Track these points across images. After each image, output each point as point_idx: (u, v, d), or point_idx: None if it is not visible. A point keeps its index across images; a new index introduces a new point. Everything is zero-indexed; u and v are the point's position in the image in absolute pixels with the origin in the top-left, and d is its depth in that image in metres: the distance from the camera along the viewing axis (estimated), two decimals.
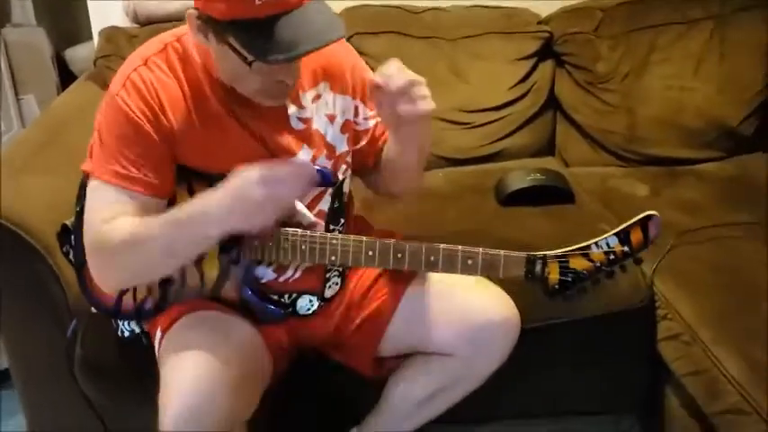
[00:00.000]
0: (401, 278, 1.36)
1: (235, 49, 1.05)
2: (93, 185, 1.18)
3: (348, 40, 1.99)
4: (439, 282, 1.33)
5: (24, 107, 3.26)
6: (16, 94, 3.19)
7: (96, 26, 2.28)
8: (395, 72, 1.16)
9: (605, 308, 1.49)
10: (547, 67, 2.10)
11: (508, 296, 1.33)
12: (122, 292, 1.30)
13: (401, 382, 1.41)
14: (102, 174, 1.15)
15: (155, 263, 1.16)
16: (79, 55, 3.25)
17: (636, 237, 1.18)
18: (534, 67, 2.08)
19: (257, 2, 1.00)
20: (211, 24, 1.06)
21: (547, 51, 2.10)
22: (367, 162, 1.38)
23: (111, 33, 2.08)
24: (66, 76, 3.26)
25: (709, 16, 2.07)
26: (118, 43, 2.03)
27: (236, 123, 1.20)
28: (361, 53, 1.96)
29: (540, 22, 2.13)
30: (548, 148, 2.13)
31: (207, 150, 1.19)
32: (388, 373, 1.43)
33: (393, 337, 1.36)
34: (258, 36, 1.02)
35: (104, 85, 1.97)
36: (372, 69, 1.94)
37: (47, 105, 3.12)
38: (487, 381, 1.36)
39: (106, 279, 1.22)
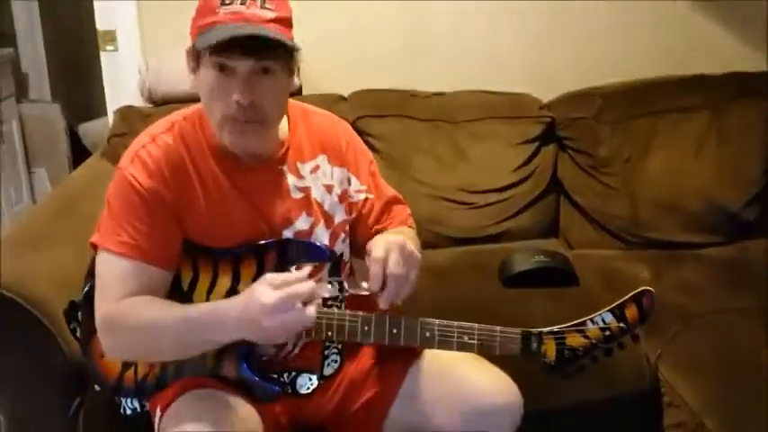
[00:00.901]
0: (403, 357, 1.35)
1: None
2: (101, 257, 1.21)
3: (355, 122, 2.06)
4: (441, 362, 1.32)
5: (35, 180, 3.35)
6: (28, 167, 3.29)
7: (111, 103, 2.35)
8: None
9: (609, 392, 1.48)
10: (549, 150, 2.14)
11: (510, 379, 1.30)
12: (124, 370, 1.31)
13: None
14: (111, 244, 1.18)
15: (165, 352, 1.20)
16: (92, 130, 3.36)
17: (631, 312, 1.18)
18: (537, 151, 2.12)
19: (220, 13, 1.12)
20: (192, 51, 1.17)
21: (549, 136, 2.14)
22: (355, 236, 1.39)
23: (125, 112, 2.14)
24: (79, 150, 3.36)
25: (706, 104, 2.11)
26: (132, 122, 2.08)
27: (237, 195, 1.23)
28: (367, 134, 2.05)
29: (542, 107, 2.18)
30: (551, 230, 2.14)
31: (211, 224, 1.22)
32: None
33: (395, 417, 1.33)
34: (208, 32, 1.12)
35: (117, 162, 2.02)
36: (377, 150, 2.03)
37: (58, 179, 3.22)
38: None
39: (115, 353, 1.25)
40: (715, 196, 2.02)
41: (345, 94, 2.20)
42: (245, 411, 1.23)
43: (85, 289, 1.32)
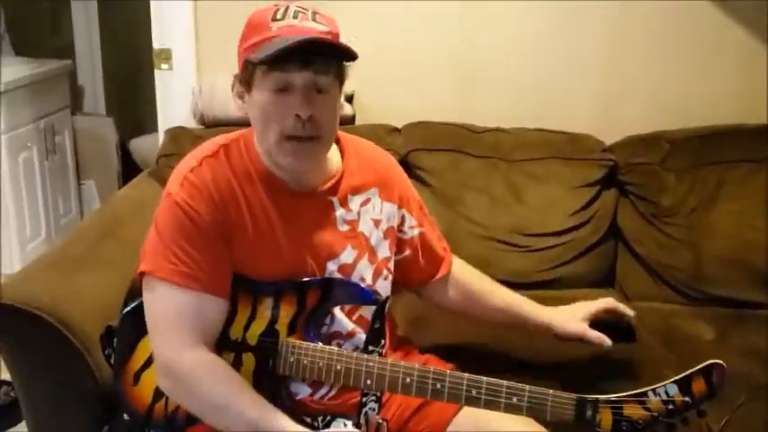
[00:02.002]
0: (444, 411, 1.29)
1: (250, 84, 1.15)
2: (155, 288, 1.18)
3: (407, 155, 2.04)
4: (485, 421, 1.25)
5: (84, 192, 3.40)
6: (78, 179, 3.34)
7: (162, 121, 2.36)
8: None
9: None
10: (610, 195, 2.06)
11: None
12: (155, 401, 1.28)
13: None
14: (165, 274, 1.16)
15: (220, 426, 1.16)
16: (142, 145, 3.41)
17: (698, 386, 1.12)
18: (597, 195, 2.05)
19: (273, 28, 1.12)
20: (244, 74, 1.16)
21: (610, 180, 2.07)
22: (412, 273, 1.40)
23: (176, 133, 2.14)
24: (128, 165, 3.41)
25: None
26: (181, 143, 2.08)
27: (284, 224, 1.21)
28: (418, 168, 2.01)
29: (604, 150, 2.11)
30: (608, 279, 2.06)
31: (256, 253, 1.21)
32: None
33: None
34: (263, 46, 1.11)
35: (164, 183, 2.01)
36: (428, 185, 1.98)
37: (107, 192, 3.26)
38: None
39: (168, 394, 1.24)
40: None
41: (399, 125, 2.17)
42: None
43: (123, 312, 1.31)
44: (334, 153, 1.28)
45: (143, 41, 2.55)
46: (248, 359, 1.22)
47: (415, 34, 2.24)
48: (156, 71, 2.33)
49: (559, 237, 2.01)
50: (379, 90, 2.25)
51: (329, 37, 1.14)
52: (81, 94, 3.50)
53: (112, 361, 1.35)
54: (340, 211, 1.27)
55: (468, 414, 1.27)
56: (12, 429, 2.01)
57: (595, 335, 1.35)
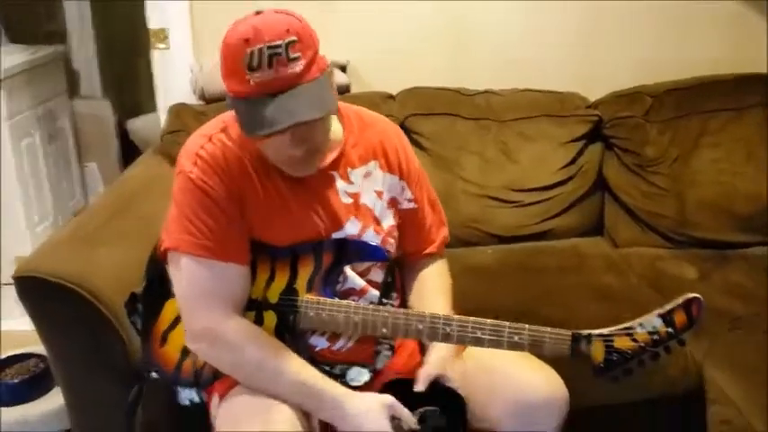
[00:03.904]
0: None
1: None
2: (181, 262, 1.22)
3: (403, 120, 2.08)
4: (490, 357, 1.34)
5: (87, 175, 3.44)
6: (80, 162, 3.38)
7: (161, 100, 2.40)
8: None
9: (654, 391, 1.50)
10: (595, 149, 2.14)
11: (557, 374, 1.33)
12: (182, 359, 1.35)
13: None
14: (190, 248, 1.21)
15: (261, 388, 1.23)
16: (141, 126, 3.43)
17: (680, 318, 1.19)
18: (583, 150, 2.12)
19: (251, 82, 1.10)
20: (229, 102, 1.17)
21: (596, 134, 2.14)
22: (405, 245, 1.43)
23: (179, 110, 2.18)
24: (127, 145, 3.45)
25: (759, 103, 2.09)
26: (185, 119, 2.13)
27: (292, 196, 1.26)
28: (415, 133, 2.07)
29: (589, 107, 2.18)
30: (597, 228, 2.15)
31: (270, 221, 1.26)
32: None
33: None
34: (249, 111, 1.12)
35: (171, 159, 2.07)
36: (425, 149, 2.05)
37: (109, 174, 3.30)
38: None
39: (205, 359, 1.30)
40: (762, 197, 2.01)
41: (393, 92, 2.22)
42: (296, 414, 1.24)
43: (146, 281, 1.36)
44: (335, 125, 1.30)
45: (136, 22, 2.57)
46: (269, 316, 1.27)
47: (406, 3, 2.28)
48: (152, 51, 2.36)
49: (549, 191, 2.09)
50: (373, 58, 2.29)
51: (305, 81, 1.12)
52: (77, 78, 3.51)
53: (138, 326, 1.40)
54: (341, 184, 1.30)
55: (473, 354, 1.35)
56: (40, 398, 2.08)
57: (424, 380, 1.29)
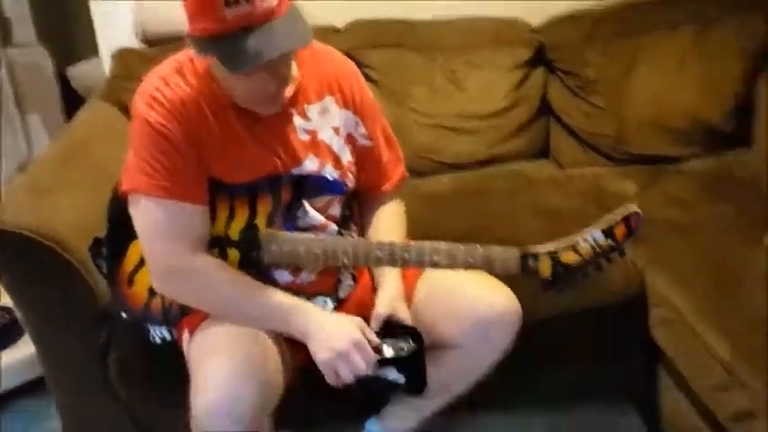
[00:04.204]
0: (410, 275, 1.44)
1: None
2: (141, 204, 1.25)
3: (350, 53, 2.07)
4: (446, 279, 1.41)
5: (30, 126, 3.34)
6: (21, 114, 3.27)
7: (103, 44, 2.33)
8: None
9: (599, 299, 1.59)
10: (539, 74, 2.18)
11: (509, 290, 1.40)
12: (151, 297, 1.38)
13: None
14: (149, 189, 1.23)
15: (230, 317, 1.28)
16: (82, 72, 3.32)
17: (620, 231, 1.26)
18: (527, 75, 2.16)
19: (228, 17, 1.10)
20: (198, 42, 1.16)
21: (539, 59, 2.18)
22: (362, 182, 1.46)
23: (123, 54, 2.14)
24: (68, 94, 3.34)
25: (691, 19, 2.14)
26: (130, 64, 2.09)
27: (250, 135, 1.28)
28: (363, 65, 2.08)
29: (531, 32, 2.21)
30: (543, 152, 2.21)
31: (227, 161, 1.28)
32: None
33: None
34: (230, 48, 1.12)
35: (119, 104, 2.04)
36: (374, 81, 2.07)
37: (53, 124, 3.20)
38: (492, 372, 1.44)
39: (172, 296, 1.34)
40: (697, 111, 2.08)
41: (339, 25, 2.21)
42: (268, 330, 1.30)
43: (108, 225, 1.38)
44: None
45: None
46: (232, 253, 1.31)
47: None
48: None
49: (497, 117, 2.13)
50: None
51: (283, 12, 1.13)
52: (8, 25, 3.36)
53: (104, 269, 1.43)
54: (299, 121, 1.32)
55: (431, 277, 1.43)
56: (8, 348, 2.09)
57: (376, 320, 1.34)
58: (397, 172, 1.53)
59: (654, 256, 1.65)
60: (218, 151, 1.27)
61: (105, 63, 2.27)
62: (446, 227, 1.72)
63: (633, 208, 1.26)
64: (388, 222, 1.49)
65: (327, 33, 2.13)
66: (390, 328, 1.30)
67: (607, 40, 2.15)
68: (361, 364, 1.23)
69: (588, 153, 2.15)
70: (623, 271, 1.61)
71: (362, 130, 1.43)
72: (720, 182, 1.96)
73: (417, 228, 1.52)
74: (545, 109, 2.20)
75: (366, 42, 2.14)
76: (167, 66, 1.29)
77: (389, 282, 1.38)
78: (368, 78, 2.04)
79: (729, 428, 1.37)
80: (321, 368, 1.26)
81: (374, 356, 1.25)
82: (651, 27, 2.16)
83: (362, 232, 1.49)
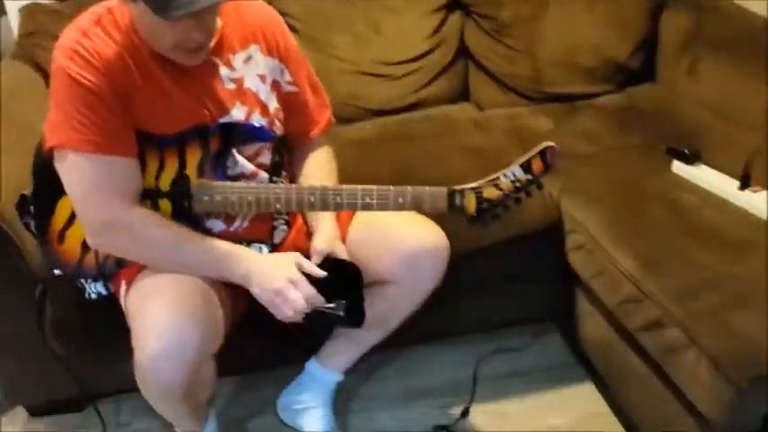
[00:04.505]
0: (342, 217, 1.49)
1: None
2: (69, 159, 1.23)
3: (270, 2, 2.06)
4: (378, 218, 1.46)
5: None
6: None
7: (9, 2, 2.23)
8: None
9: (521, 229, 1.67)
10: (456, 18, 2.21)
11: (437, 226, 1.48)
12: (84, 253, 1.38)
13: None
14: (77, 144, 1.22)
15: (168, 267, 1.30)
16: None
17: (537, 165, 1.33)
18: (445, 19, 2.18)
19: None
20: None
21: (456, 3, 2.20)
22: (290, 129, 1.49)
23: (32, 10, 2.05)
24: None
25: None
26: (41, 20, 2.02)
27: (175, 86, 1.28)
28: (284, 14, 2.01)
29: None
30: (463, 95, 2.26)
31: (153, 112, 1.28)
32: None
33: None
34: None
35: (33, 63, 1.99)
36: (295, 30, 2.07)
37: None
38: (426, 303, 1.52)
39: (108, 251, 1.34)
40: (605, 49, 2.16)
41: None
42: (206, 284, 1.32)
43: (34, 182, 1.37)
44: None
45: None
46: (164, 204, 1.32)
47: None
48: None
49: (418, 62, 2.15)
50: None
51: None
52: None
53: (32, 228, 1.41)
54: (224, 71, 1.32)
55: (363, 218, 1.49)
56: None
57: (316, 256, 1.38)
58: (324, 117, 1.56)
59: (568, 185, 1.74)
60: (144, 103, 1.26)
61: (14, 21, 2.18)
62: (373, 171, 1.77)
63: (548, 143, 1.33)
64: (318, 167, 1.52)
65: None
66: (329, 264, 1.35)
67: None
68: (300, 301, 1.28)
69: (507, 94, 2.20)
70: (541, 202, 1.69)
71: (288, 77, 1.45)
72: (629, 115, 2.06)
73: (345, 174, 1.55)
74: (463, 52, 2.23)
75: None
76: (86, 18, 1.26)
77: (325, 224, 1.43)
78: (289, 27, 2.05)
79: (640, 338, 1.49)
80: (267, 307, 1.31)
81: (312, 290, 1.30)
82: None
83: (293, 179, 1.52)
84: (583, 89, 2.17)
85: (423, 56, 2.17)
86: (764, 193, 1.58)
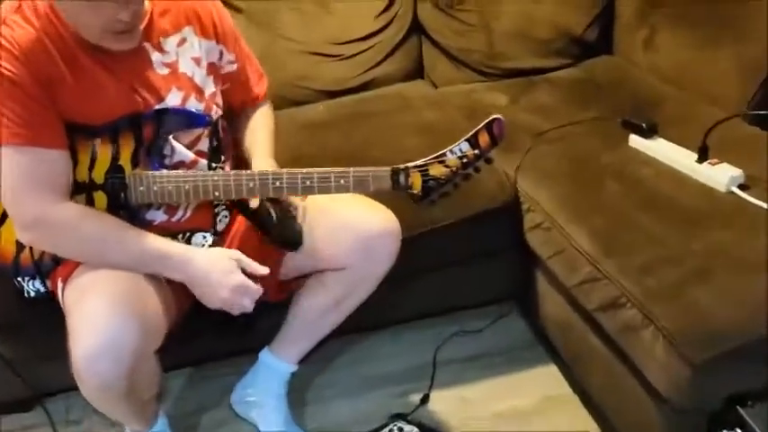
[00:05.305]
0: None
1: None
2: None
3: None
4: (328, 203, 1.43)
5: None
6: None
7: None
8: None
9: (476, 209, 1.64)
10: None
11: (387, 208, 1.45)
12: (19, 251, 1.34)
13: (303, 299, 1.54)
14: (3, 138, 1.17)
15: (105, 263, 1.26)
16: None
17: (484, 139, 1.29)
18: None
19: None
20: None
21: None
22: (232, 104, 1.47)
23: None
24: None
25: None
26: None
27: (105, 73, 1.24)
28: None
29: None
30: (417, 72, 2.22)
31: (82, 102, 1.23)
32: (291, 296, 1.55)
33: (291, 260, 1.47)
34: None
35: None
36: (241, 11, 2.01)
37: None
38: (381, 288, 1.50)
39: (43, 248, 1.31)
40: (561, 22, 2.13)
41: None
42: (145, 278, 1.29)
43: None
44: None
45: None
46: (99, 197, 1.28)
47: None
48: None
49: (369, 40, 2.11)
50: None
51: None
52: None
53: None
54: (156, 56, 1.29)
55: (310, 204, 1.44)
56: None
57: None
58: (263, 86, 1.57)
59: (524, 162, 1.71)
60: (71, 92, 1.22)
61: None
62: (326, 153, 1.77)
63: (495, 116, 1.29)
64: (257, 121, 1.54)
65: None
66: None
67: None
68: (247, 304, 1.30)
69: (461, 70, 2.17)
70: (497, 179, 1.66)
71: (228, 56, 1.43)
72: (584, 89, 2.03)
73: (296, 156, 1.53)
74: (417, 29, 2.19)
75: None
76: (5, 8, 1.21)
77: (259, 162, 1.45)
78: (234, 8, 2.00)
79: (599, 318, 1.46)
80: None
81: (257, 292, 1.30)
82: None
83: (238, 154, 1.50)
84: (539, 63, 2.15)
85: (374, 34, 2.13)
86: (723, 165, 1.56)
